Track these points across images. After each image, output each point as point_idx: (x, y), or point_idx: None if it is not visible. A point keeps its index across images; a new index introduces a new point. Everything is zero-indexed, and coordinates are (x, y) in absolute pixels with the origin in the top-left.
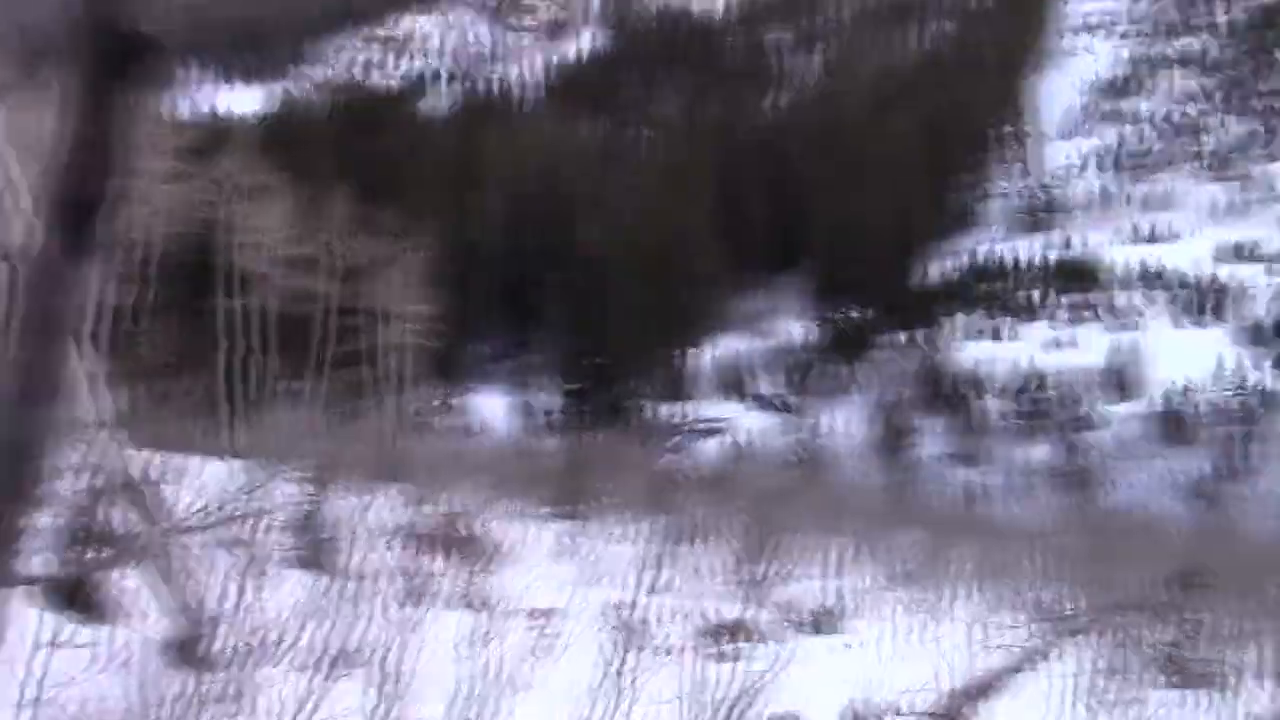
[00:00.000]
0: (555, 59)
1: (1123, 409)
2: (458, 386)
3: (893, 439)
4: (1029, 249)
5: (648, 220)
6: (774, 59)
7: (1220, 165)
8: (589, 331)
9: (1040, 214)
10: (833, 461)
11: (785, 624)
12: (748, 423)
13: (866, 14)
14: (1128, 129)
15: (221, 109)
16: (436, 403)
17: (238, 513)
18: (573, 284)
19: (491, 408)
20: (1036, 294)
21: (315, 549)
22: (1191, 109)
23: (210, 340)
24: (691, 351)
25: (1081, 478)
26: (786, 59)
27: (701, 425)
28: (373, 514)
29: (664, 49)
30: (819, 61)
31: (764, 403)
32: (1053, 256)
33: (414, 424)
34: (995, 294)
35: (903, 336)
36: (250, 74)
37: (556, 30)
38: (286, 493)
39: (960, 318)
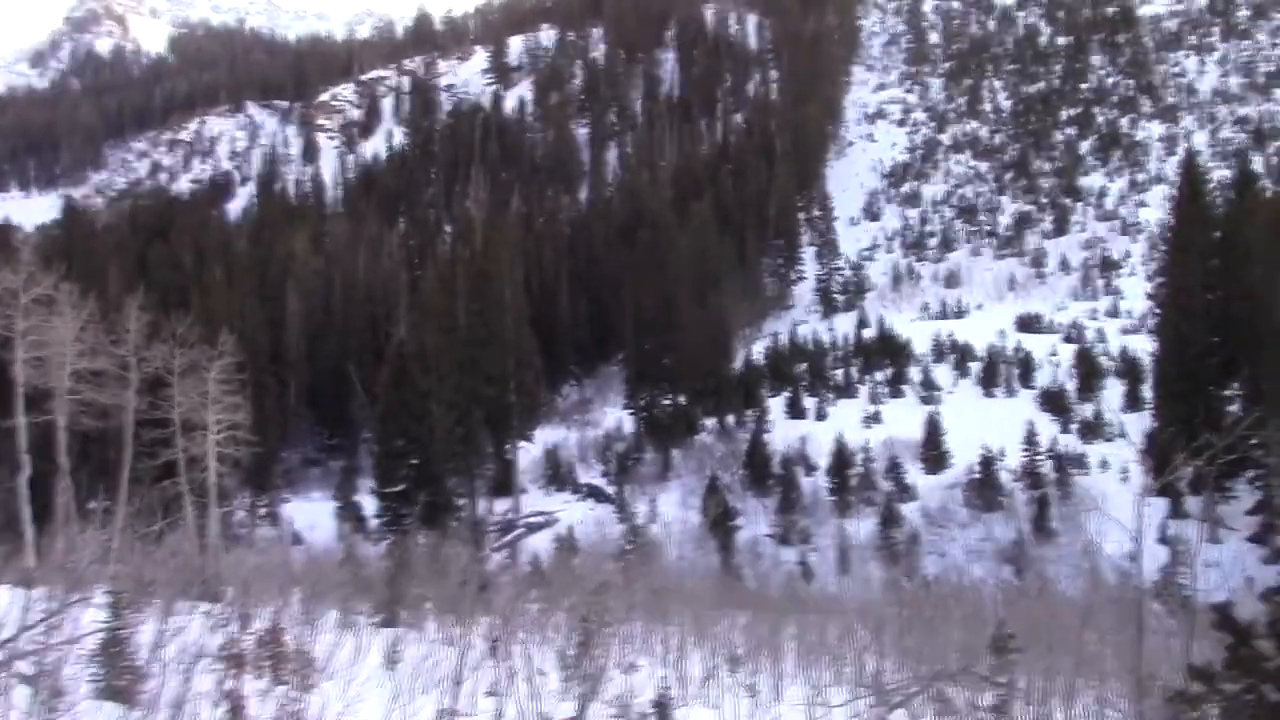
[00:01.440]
0: (356, 159)
1: (936, 479)
2: (272, 495)
3: (717, 522)
4: (837, 328)
5: (457, 317)
6: (576, 153)
7: (1005, 243)
8: (406, 431)
9: (845, 294)
10: (660, 548)
11: (620, 718)
12: (573, 514)
13: (665, 106)
14: (919, 211)
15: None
16: (250, 513)
17: (37, 643)
18: (384, 385)
19: (308, 515)
20: (849, 371)
21: (123, 678)
22: (975, 190)
23: (8, 462)
24: (513, 446)
25: (900, 549)
26: (589, 152)
27: (526, 520)
28: (184, 636)
29: (465, 144)
30: (621, 154)
31: (589, 493)
32: (860, 334)
33: (227, 537)
34: (808, 373)
35: (722, 420)
36: (36, 181)
37: (357, 131)
38: (90, 619)
39: (776, 399)
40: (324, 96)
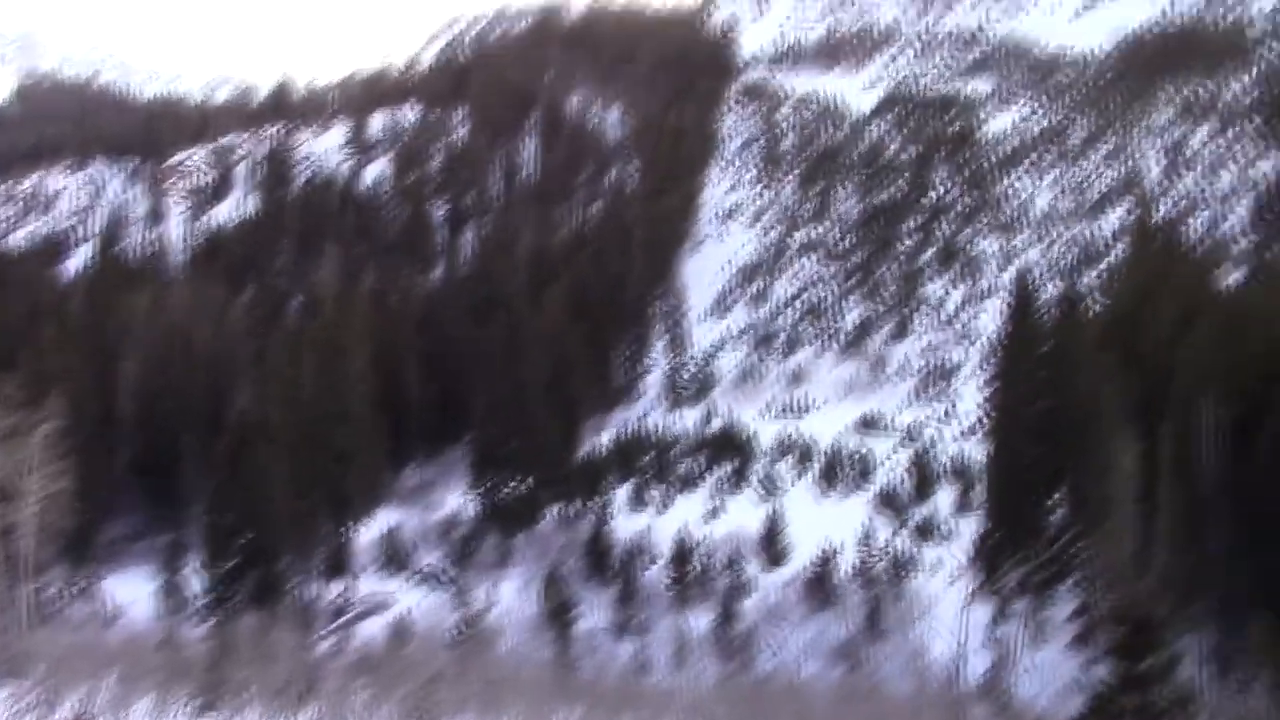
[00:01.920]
0: (205, 224)
1: (774, 575)
2: (92, 569)
3: (556, 612)
4: (683, 421)
5: (301, 391)
6: (432, 232)
7: (849, 345)
8: (239, 507)
9: (692, 388)
10: (497, 637)
11: None
12: (410, 600)
13: (524, 191)
14: (767, 309)
15: None
16: (67, 588)
17: None
18: (221, 457)
19: (130, 591)
20: (692, 465)
21: None
22: (822, 293)
23: None
24: (350, 527)
25: (736, 644)
26: (445, 233)
27: (361, 604)
28: None
29: (318, 217)
30: (477, 236)
31: (427, 578)
32: (706, 429)
33: (41, 613)
34: (653, 465)
35: (565, 508)
36: None
37: (207, 195)
38: None
39: (620, 489)
40: (175, 159)
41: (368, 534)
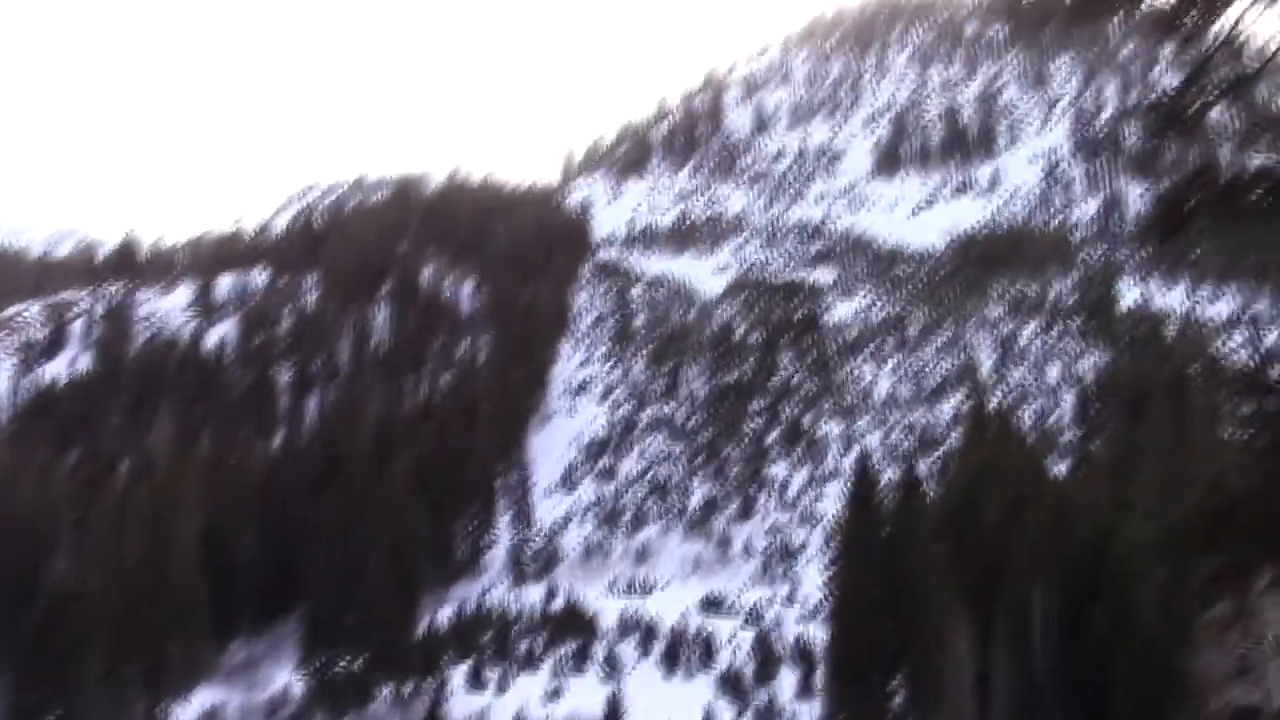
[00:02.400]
0: (35, 381)
1: None
2: None
3: None
4: (526, 598)
5: (124, 559)
6: (275, 398)
7: (694, 524)
8: (51, 681)
9: (536, 564)
10: None
11: None
12: None
13: (373, 359)
14: (614, 486)
15: None
16: None
17: None
18: (33, 625)
19: None
20: (534, 643)
21: None
22: (669, 471)
23: None
24: (166, 705)
25: None
26: (289, 398)
27: None
28: None
29: (157, 377)
30: (322, 403)
31: None
32: (548, 606)
33: None
34: (493, 643)
35: (400, 687)
36: None
37: (39, 352)
38: None
39: (459, 667)
40: (6, 313)
41: (186, 713)
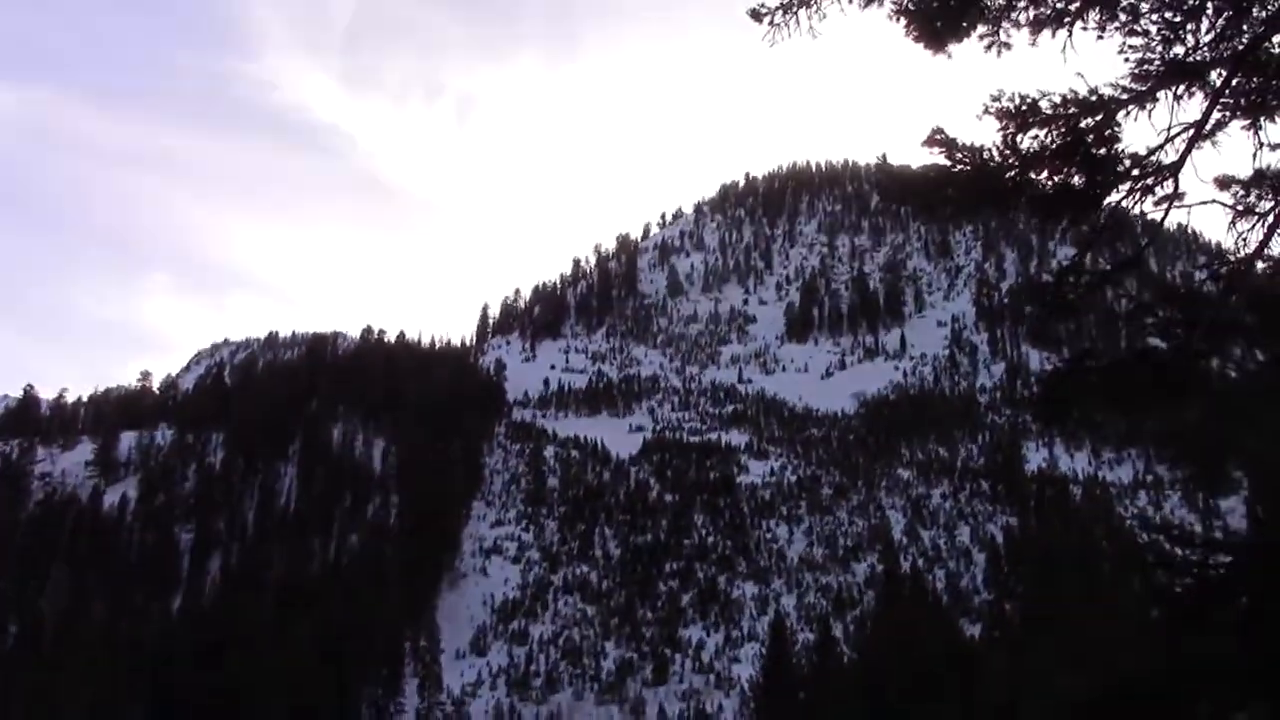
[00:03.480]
0: None
1: None
2: None
3: None
4: None
5: None
6: (176, 560)
7: (608, 688)
8: None
9: None
10: None
11: None
12: None
13: (278, 520)
14: (526, 649)
15: None
16: None
17: None
18: None
19: None
20: None
21: None
22: (582, 633)
23: None
24: None
25: None
26: (189, 561)
27: None
28: None
29: (51, 537)
30: (225, 565)
31: None
32: None
33: None
34: None
35: None
36: None
37: None
38: None
39: None
40: None
41: None
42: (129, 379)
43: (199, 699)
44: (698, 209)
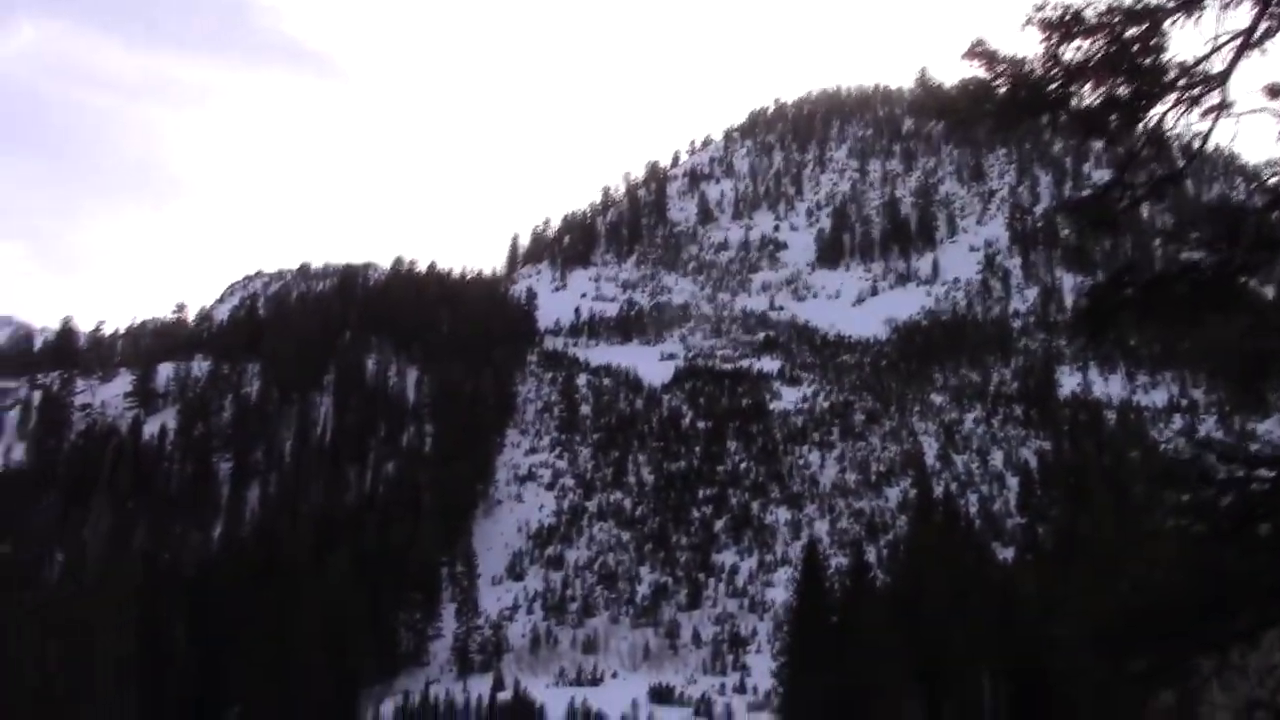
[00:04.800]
0: None
1: None
2: None
3: None
4: (473, 689)
5: (48, 664)
6: (215, 489)
7: (642, 612)
8: None
9: (483, 655)
10: None
11: None
12: None
13: (315, 450)
14: (561, 575)
15: None
16: None
17: None
18: None
19: None
20: None
21: None
22: (617, 559)
23: None
24: None
25: None
26: (228, 490)
27: None
28: None
29: (92, 468)
30: (263, 494)
31: None
32: (495, 697)
33: None
34: None
35: None
36: None
37: None
38: None
39: None
40: None
41: None
42: (165, 312)
43: (240, 625)
44: (727, 135)
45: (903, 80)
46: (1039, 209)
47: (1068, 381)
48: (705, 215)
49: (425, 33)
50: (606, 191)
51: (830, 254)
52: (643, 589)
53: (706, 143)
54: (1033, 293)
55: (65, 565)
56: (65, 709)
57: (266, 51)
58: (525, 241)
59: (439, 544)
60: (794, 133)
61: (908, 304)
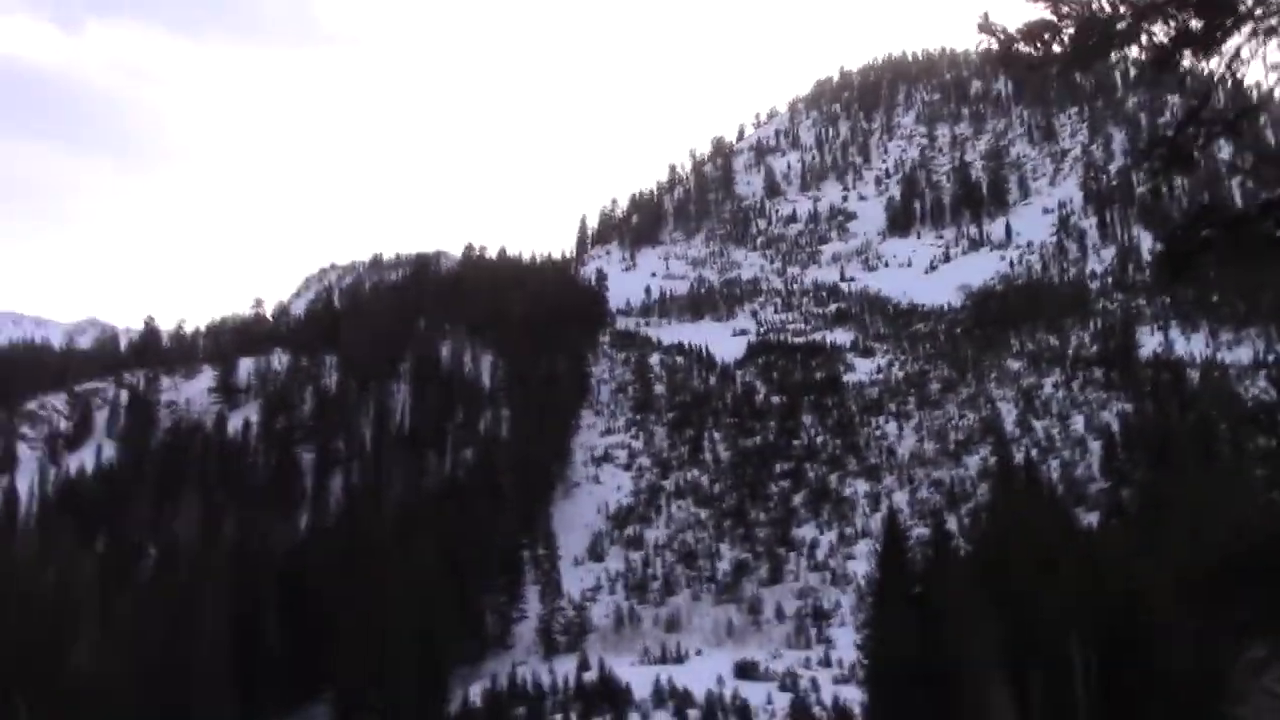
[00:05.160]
0: (60, 472)
1: None
2: None
3: None
4: (558, 670)
5: (150, 644)
6: (299, 480)
7: (724, 589)
8: None
9: (567, 636)
10: None
11: None
12: None
13: (394, 438)
14: (642, 554)
15: None
16: None
17: None
18: (56, 714)
19: None
20: (567, 716)
21: None
22: (696, 536)
23: None
24: None
25: None
26: (312, 480)
27: None
28: None
29: (180, 463)
30: (345, 483)
31: None
32: (581, 678)
33: None
34: (527, 717)
35: None
36: None
37: (64, 442)
38: None
39: None
40: (30, 405)
41: None
42: (243, 307)
43: (330, 611)
44: (792, 107)
45: (968, 42)
46: (1113, 167)
47: (1148, 342)
48: (772, 189)
49: (489, 18)
50: (673, 169)
51: (900, 222)
52: (723, 566)
53: (771, 115)
54: (1109, 253)
55: (158, 559)
56: (169, 692)
57: (329, 44)
58: (593, 223)
59: (520, 527)
60: (860, 101)
61: (981, 269)
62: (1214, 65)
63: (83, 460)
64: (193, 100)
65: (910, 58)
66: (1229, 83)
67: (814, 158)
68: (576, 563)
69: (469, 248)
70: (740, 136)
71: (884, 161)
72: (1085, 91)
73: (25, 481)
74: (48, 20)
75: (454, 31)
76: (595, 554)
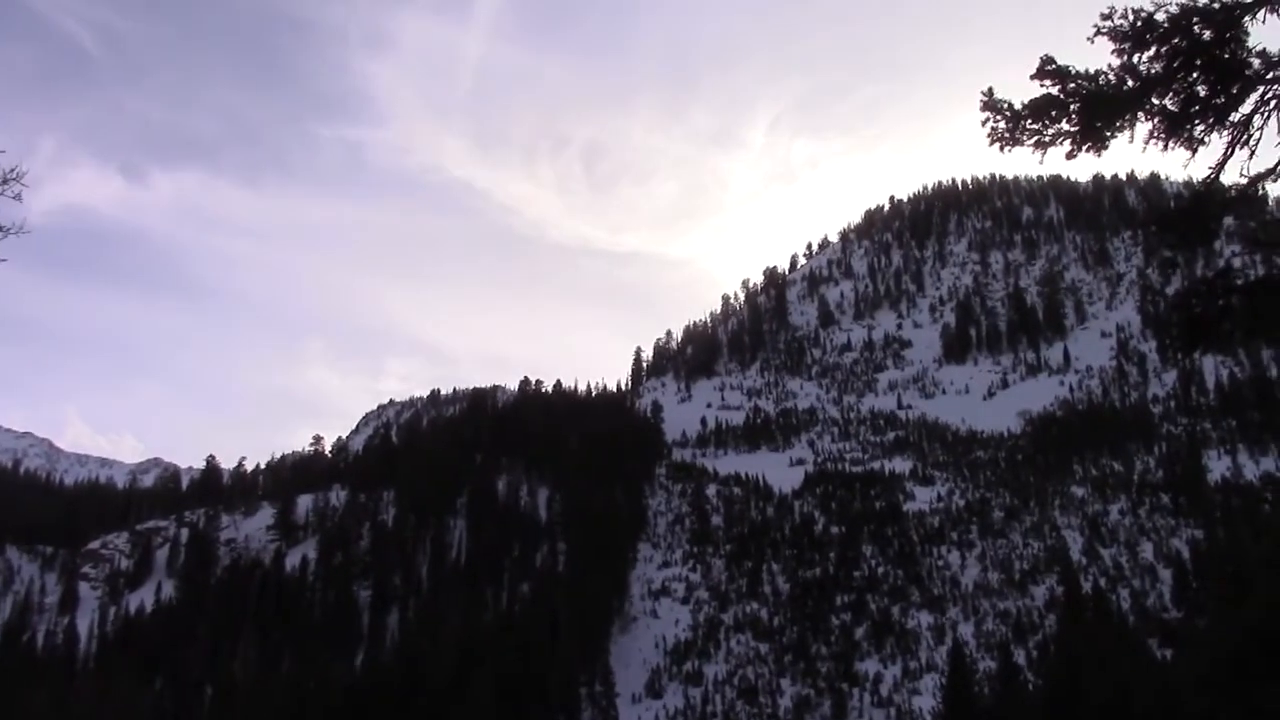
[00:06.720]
0: (120, 610)
1: None
2: None
3: None
4: None
5: None
6: (356, 616)
7: None
8: None
9: None
10: None
11: None
12: None
13: (452, 572)
14: (701, 690)
15: None
16: None
17: None
18: None
19: None
20: None
21: None
22: (756, 671)
23: None
24: None
25: None
26: (369, 616)
27: None
28: None
29: (239, 600)
30: (403, 619)
31: None
32: None
33: None
34: None
35: None
36: None
37: (124, 580)
38: None
39: None
40: (94, 544)
41: None
42: (302, 444)
43: None
44: (844, 236)
45: (1017, 169)
46: (1170, 289)
47: (1216, 465)
48: (826, 318)
49: (526, 156)
50: (726, 300)
51: (956, 349)
52: (784, 702)
53: (824, 245)
54: (1170, 376)
55: (215, 697)
56: None
57: (380, 186)
58: (649, 354)
59: (577, 661)
60: (911, 229)
61: (1040, 395)
62: (1227, 127)
63: (143, 598)
64: (251, 243)
65: (960, 185)
66: (1244, 144)
67: (867, 286)
68: (635, 699)
69: (525, 381)
70: (793, 267)
71: (937, 289)
72: (1139, 215)
73: (85, 621)
74: (115, 171)
75: (489, 170)
76: (654, 690)
